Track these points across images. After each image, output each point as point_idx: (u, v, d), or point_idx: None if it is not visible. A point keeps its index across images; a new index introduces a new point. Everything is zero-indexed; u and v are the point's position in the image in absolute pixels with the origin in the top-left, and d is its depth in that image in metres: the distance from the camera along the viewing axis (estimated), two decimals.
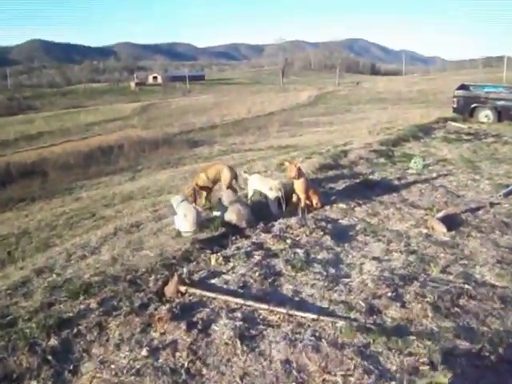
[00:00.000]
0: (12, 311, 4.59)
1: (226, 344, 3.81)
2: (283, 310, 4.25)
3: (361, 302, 4.46)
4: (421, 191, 8.85)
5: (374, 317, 4.25)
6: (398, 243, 6.11)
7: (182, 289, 4.66)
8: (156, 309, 4.42)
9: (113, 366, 3.65)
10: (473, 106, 20.80)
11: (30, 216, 16.00)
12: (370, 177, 9.98)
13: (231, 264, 5.40)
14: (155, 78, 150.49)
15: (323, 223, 6.81)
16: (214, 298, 4.56)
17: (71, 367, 3.72)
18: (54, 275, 5.59)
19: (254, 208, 7.16)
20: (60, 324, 4.22)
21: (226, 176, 7.89)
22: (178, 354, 3.74)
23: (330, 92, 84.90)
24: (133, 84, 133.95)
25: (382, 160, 11.81)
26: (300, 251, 5.73)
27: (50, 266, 6.04)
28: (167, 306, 4.45)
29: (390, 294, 4.61)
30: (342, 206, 7.71)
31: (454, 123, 19.70)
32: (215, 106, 69.01)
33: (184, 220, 6.51)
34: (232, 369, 3.54)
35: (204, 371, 3.53)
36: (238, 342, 3.81)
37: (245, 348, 3.74)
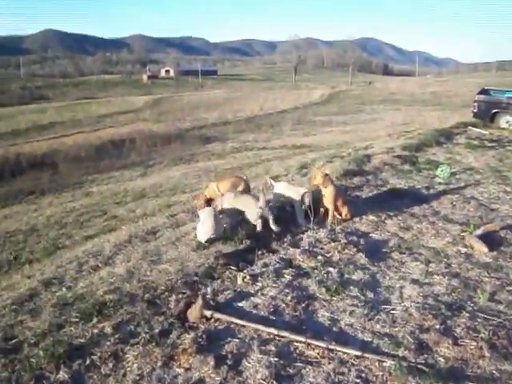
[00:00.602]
0: (17, 333, 4.14)
1: None
2: (323, 344, 3.78)
3: (408, 337, 3.97)
4: (452, 203, 8.32)
5: (425, 355, 3.76)
6: (437, 264, 5.61)
7: (208, 313, 4.19)
8: (179, 337, 3.95)
9: None
10: (494, 111, 20.26)
11: (39, 211, 15.61)
12: (398, 186, 9.46)
13: (259, 284, 4.90)
14: (167, 71, 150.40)
15: (354, 238, 6.32)
16: (244, 326, 4.09)
17: None
18: (64, 289, 5.15)
19: (279, 218, 6.68)
20: (71, 352, 3.76)
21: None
22: None
23: (343, 91, 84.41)
24: (145, 77, 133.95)
25: (406, 167, 11.30)
26: (333, 271, 5.25)
27: (59, 277, 5.60)
28: (192, 334, 3.97)
29: (438, 327, 4.13)
30: (373, 218, 7.21)
31: (474, 129, 19.20)
32: (227, 101, 68.60)
33: (202, 225, 6.07)
34: None
35: None
36: (275, 383, 3.34)
37: None
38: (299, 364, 3.61)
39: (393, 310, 4.47)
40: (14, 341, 3.99)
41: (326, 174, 7.03)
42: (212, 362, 3.56)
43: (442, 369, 3.60)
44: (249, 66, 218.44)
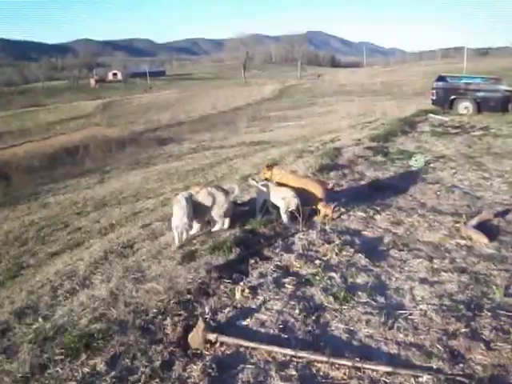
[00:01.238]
0: None
1: None
2: (347, 363, 3.38)
3: (437, 345, 3.61)
4: (436, 193, 8.06)
5: (460, 365, 3.40)
6: (440, 259, 5.28)
7: (212, 337, 3.71)
8: (184, 368, 3.45)
9: None
10: (452, 97, 20.41)
11: None
12: (375, 178, 9.16)
13: (260, 297, 4.44)
14: (115, 74, 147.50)
15: (348, 237, 5.93)
16: (255, 349, 3.63)
17: None
18: (41, 320, 4.54)
19: (266, 222, 6.25)
20: None
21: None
22: None
23: (294, 85, 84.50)
24: (92, 81, 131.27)
25: (379, 158, 11.04)
26: (335, 275, 4.84)
27: (32, 306, 4.97)
28: (199, 364, 3.47)
29: (464, 330, 3.80)
30: (360, 214, 6.86)
31: (434, 116, 19.23)
32: (178, 101, 67.82)
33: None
34: None
35: None
36: None
37: None
38: None
39: (410, 315, 4.11)
40: None
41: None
42: None
43: (484, 379, 3.24)
44: (197, 65, 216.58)
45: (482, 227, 6.16)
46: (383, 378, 3.26)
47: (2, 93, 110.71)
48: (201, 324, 3.78)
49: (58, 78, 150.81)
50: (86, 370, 3.54)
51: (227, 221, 6.41)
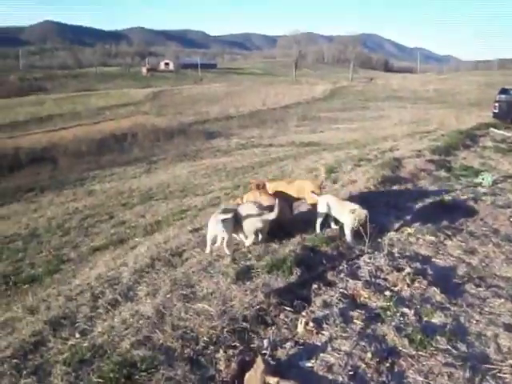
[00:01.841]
0: None
1: None
2: None
3: None
4: (509, 219, 7.37)
5: None
6: None
7: (272, 381, 3.22)
8: None
9: None
10: None
11: (39, 211, 14.66)
12: (440, 195, 8.49)
13: (326, 333, 3.90)
14: (167, 64, 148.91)
15: (418, 264, 5.35)
16: None
17: None
18: (78, 335, 4.12)
19: (327, 239, 5.73)
20: None
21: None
22: None
23: (345, 87, 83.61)
24: (144, 69, 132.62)
25: (443, 173, 10.39)
26: (408, 312, 4.28)
27: (70, 316, 4.56)
28: None
29: None
30: (430, 238, 6.25)
31: (496, 130, 18.39)
32: (228, 95, 67.81)
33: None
34: None
35: None
36: None
37: None
38: None
39: (499, 372, 3.54)
40: None
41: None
42: None
43: None
44: (248, 59, 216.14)
45: None
46: None
47: (56, 76, 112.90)
48: (260, 364, 3.28)
49: (110, 64, 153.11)
50: None
51: (252, 237, 5.89)
